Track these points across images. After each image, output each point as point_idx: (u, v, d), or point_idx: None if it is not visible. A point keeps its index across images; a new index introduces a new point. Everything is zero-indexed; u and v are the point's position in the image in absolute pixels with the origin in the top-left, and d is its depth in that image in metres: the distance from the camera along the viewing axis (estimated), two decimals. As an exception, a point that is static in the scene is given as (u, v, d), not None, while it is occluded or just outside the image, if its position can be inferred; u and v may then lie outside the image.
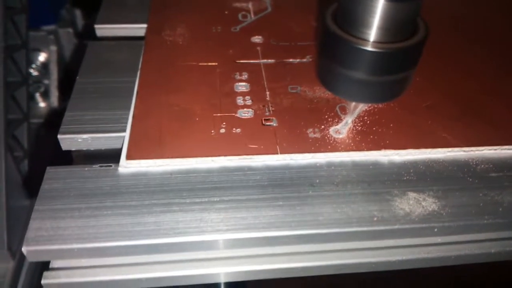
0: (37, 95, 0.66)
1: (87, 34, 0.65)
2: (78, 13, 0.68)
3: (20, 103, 0.55)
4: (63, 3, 0.67)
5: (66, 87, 0.66)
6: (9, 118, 0.51)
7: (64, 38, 0.65)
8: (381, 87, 0.28)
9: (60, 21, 0.66)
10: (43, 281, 0.24)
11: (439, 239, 0.26)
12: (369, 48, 0.25)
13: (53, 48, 0.64)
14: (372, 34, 0.26)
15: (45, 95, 0.67)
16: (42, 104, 0.67)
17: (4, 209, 0.48)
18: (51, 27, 0.64)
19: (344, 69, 0.27)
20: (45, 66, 0.66)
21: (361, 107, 0.30)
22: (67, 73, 0.67)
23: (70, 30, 0.65)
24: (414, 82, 0.31)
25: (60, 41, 0.65)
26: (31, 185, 0.55)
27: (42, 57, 0.65)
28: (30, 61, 0.63)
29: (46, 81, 0.66)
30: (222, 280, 0.26)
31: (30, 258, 0.23)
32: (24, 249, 0.22)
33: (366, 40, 0.26)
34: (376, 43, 0.26)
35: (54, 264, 0.24)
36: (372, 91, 0.28)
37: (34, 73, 0.65)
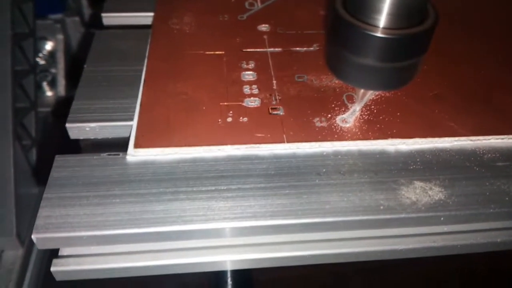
0: (44, 84, 0.66)
1: (94, 23, 0.66)
2: (84, 2, 0.68)
3: (27, 91, 0.55)
4: (69, -8, 0.67)
5: (73, 75, 0.66)
6: (17, 106, 0.51)
7: (71, 27, 0.66)
8: (391, 74, 0.28)
9: (67, 10, 0.66)
10: (52, 268, 0.24)
11: (445, 228, 0.26)
12: (379, 34, 0.25)
13: (60, 37, 0.65)
14: (382, 20, 0.25)
15: (52, 84, 0.67)
16: (49, 93, 0.68)
17: (13, 197, 0.48)
18: (58, 16, 0.65)
19: (353, 55, 0.27)
20: (52, 55, 0.66)
21: (369, 95, 0.29)
22: (74, 62, 0.67)
23: (77, 19, 0.65)
24: (421, 71, 0.31)
25: (67, 30, 0.65)
26: (39, 173, 0.55)
27: (49, 46, 0.66)
28: (37, 50, 0.63)
29: (53, 70, 0.66)
30: (229, 267, 0.26)
31: (40, 246, 0.23)
32: (33, 237, 0.23)
33: (376, 26, 0.26)
34: (386, 29, 0.25)
35: (63, 251, 0.25)
36: (381, 78, 0.28)
37: (41, 62, 0.65)
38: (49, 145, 0.61)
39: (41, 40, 0.64)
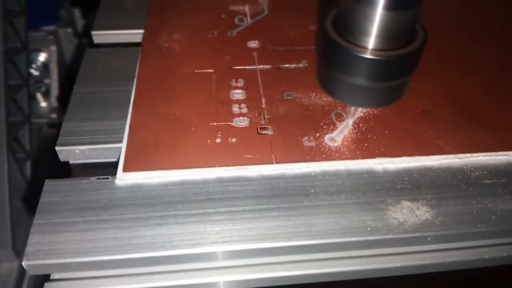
0: (38, 95, 0.67)
1: (87, 34, 0.66)
2: (77, 13, 0.68)
3: (21, 105, 0.55)
4: (62, 3, 0.67)
5: (66, 86, 0.66)
6: (11, 120, 0.51)
7: (63, 38, 0.66)
8: (381, 93, 0.28)
9: (59, 21, 0.66)
10: (44, 292, 0.24)
11: (434, 246, 0.26)
12: (368, 56, 0.26)
13: (53, 48, 0.65)
14: (371, 41, 0.26)
15: (46, 95, 0.67)
16: (43, 104, 0.68)
17: (8, 210, 0.49)
18: (51, 27, 0.65)
19: (343, 75, 0.27)
20: (45, 66, 0.66)
21: (361, 110, 0.30)
22: (67, 73, 0.67)
23: (70, 30, 0.66)
24: (410, 87, 0.31)
25: (60, 41, 0.66)
26: (34, 186, 0.55)
27: (42, 57, 0.66)
28: (30, 61, 0.63)
29: (47, 81, 0.66)
30: (221, 288, 0.27)
31: (31, 272, 0.23)
32: (24, 264, 0.23)
33: (365, 48, 0.26)
34: (375, 50, 0.26)
35: (55, 275, 0.25)
36: (371, 96, 0.28)
37: (35, 73, 0.65)
38: (43, 155, 0.61)
39: (34, 52, 0.64)
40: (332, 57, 0.27)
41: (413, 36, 0.27)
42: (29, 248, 0.23)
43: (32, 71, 0.65)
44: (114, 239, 0.24)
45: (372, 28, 0.25)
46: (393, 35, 0.26)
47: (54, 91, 0.66)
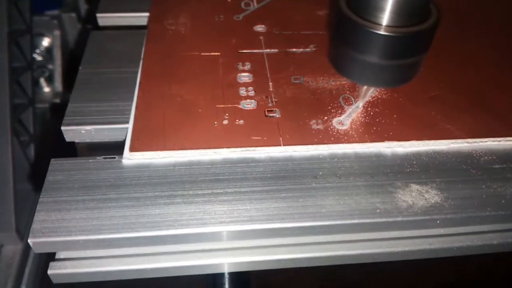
0: (42, 80, 0.66)
1: (90, 19, 0.65)
2: (81, -3, 0.68)
3: (25, 88, 0.55)
4: (66, -12, 0.66)
5: (70, 71, 0.66)
6: (15, 103, 0.51)
7: (67, 23, 0.65)
8: (393, 71, 0.28)
9: (63, 6, 0.65)
10: (49, 271, 0.24)
11: (441, 231, 0.26)
12: (382, 32, 0.26)
13: (57, 33, 0.64)
14: (385, 18, 0.26)
15: (50, 80, 0.67)
16: (46, 89, 0.67)
17: (12, 193, 0.49)
18: (55, 12, 0.64)
19: (356, 53, 0.27)
20: (49, 51, 0.66)
21: (372, 91, 0.30)
22: (71, 58, 0.67)
23: (74, 15, 0.65)
24: (419, 73, 0.31)
25: (64, 26, 0.65)
26: (38, 169, 0.55)
27: (46, 42, 0.65)
28: (34, 46, 0.63)
29: (50, 66, 0.66)
30: (226, 270, 0.26)
31: (36, 250, 0.23)
32: (30, 241, 0.23)
33: (379, 24, 0.26)
34: (389, 27, 0.26)
35: (60, 254, 0.25)
36: (384, 75, 0.28)
37: (38, 58, 0.65)
38: (47, 140, 0.61)
39: (38, 36, 0.64)
40: (345, 35, 0.27)
41: (427, 14, 0.27)
42: (35, 226, 0.23)
43: (36, 56, 0.64)
44: (121, 217, 0.23)
45: (386, 4, 0.25)
46: (407, 12, 0.26)
47: (58, 76, 0.66)
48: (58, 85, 0.66)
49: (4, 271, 0.51)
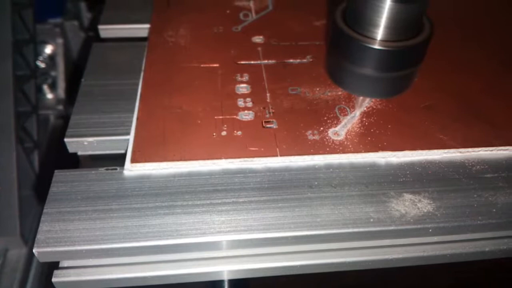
0: (45, 87, 0.67)
1: (93, 27, 0.66)
2: (83, 5, 0.68)
3: (29, 95, 0.56)
4: (68, -4, 0.67)
5: (73, 78, 0.67)
6: (19, 110, 0.52)
7: (70, 30, 0.66)
8: (388, 83, 0.29)
9: (65, 14, 0.66)
10: (53, 279, 0.25)
11: (435, 238, 0.26)
12: (377, 47, 0.26)
13: (60, 40, 0.65)
14: (380, 33, 0.27)
15: (53, 87, 0.68)
16: (49, 96, 0.68)
17: (16, 198, 0.49)
18: (57, 20, 0.65)
19: (353, 65, 0.28)
20: (52, 58, 0.67)
21: (368, 101, 0.30)
22: (73, 65, 0.68)
23: (76, 22, 0.66)
24: (413, 82, 0.31)
25: (66, 33, 0.66)
26: (41, 175, 0.56)
27: (48, 49, 0.66)
28: (37, 54, 0.64)
29: (53, 73, 0.67)
30: (226, 277, 0.27)
31: (41, 259, 0.24)
32: (35, 251, 0.23)
33: (374, 39, 0.27)
34: (383, 41, 0.27)
35: (64, 263, 0.25)
36: (379, 86, 0.29)
37: (41, 65, 0.66)
38: (50, 146, 0.62)
39: (41, 44, 0.65)
40: (342, 48, 0.28)
41: (420, 28, 0.28)
42: (39, 236, 0.24)
43: (39, 63, 0.65)
44: (123, 227, 0.24)
45: (380, 20, 0.26)
46: (401, 27, 0.26)
47: (61, 83, 0.67)
48: (61, 92, 0.67)
49: (10, 275, 0.51)
